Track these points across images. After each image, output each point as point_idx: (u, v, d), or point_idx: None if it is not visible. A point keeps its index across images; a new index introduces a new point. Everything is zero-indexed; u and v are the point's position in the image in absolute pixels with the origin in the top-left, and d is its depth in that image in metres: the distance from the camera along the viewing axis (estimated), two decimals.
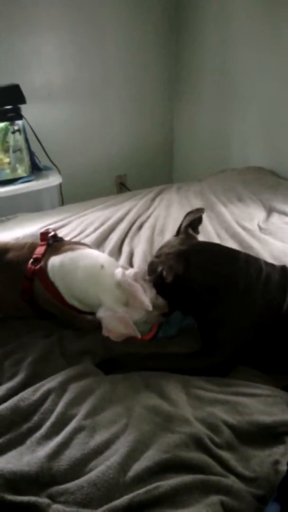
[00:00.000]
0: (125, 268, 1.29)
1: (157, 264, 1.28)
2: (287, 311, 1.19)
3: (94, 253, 1.33)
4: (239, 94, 2.63)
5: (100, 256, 1.32)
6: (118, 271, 1.23)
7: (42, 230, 1.39)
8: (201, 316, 1.26)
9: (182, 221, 1.39)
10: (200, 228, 1.85)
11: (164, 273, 1.22)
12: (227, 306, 1.20)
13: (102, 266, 1.24)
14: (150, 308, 1.20)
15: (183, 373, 1.16)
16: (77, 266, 1.25)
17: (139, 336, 1.20)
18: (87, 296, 1.24)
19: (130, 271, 1.26)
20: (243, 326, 1.19)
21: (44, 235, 1.37)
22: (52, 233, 1.38)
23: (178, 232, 1.38)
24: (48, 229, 1.40)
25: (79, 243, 1.43)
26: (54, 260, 1.28)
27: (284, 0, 2.21)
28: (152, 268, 1.30)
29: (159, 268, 1.25)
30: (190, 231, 1.35)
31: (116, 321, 1.17)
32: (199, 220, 1.40)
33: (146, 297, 1.20)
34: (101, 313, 1.20)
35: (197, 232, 1.38)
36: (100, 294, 1.21)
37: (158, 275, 1.24)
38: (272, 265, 1.29)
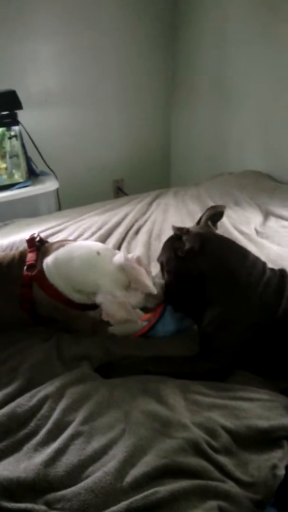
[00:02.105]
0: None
1: (173, 241, 1.28)
2: (282, 315, 1.19)
3: (87, 242, 1.34)
4: (236, 98, 2.64)
5: (95, 244, 1.33)
6: (120, 256, 1.24)
7: (27, 237, 1.39)
8: (199, 315, 1.25)
9: (203, 215, 1.39)
10: None
11: (182, 247, 1.22)
12: (225, 305, 1.20)
13: (98, 253, 1.25)
14: (155, 291, 1.21)
15: (182, 377, 1.16)
16: (72, 257, 1.26)
17: (139, 322, 1.21)
18: (86, 283, 1.22)
19: (133, 255, 1.27)
20: (239, 328, 1.19)
21: (31, 241, 1.37)
22: (38, 238, 1.39)
23: (198, 222, 1.39)
24: (33, 234, 1.40)
25: (67, 240, 1.42)
26: (48, 260, 1.29)
27: (280, 3, 2.22)
28: (167, 245, 1.32)
29: (177, 243, 1.24)
30: (210, 224, 1.36)
31: (116, 306, 1.17)
32: (220, 215, 1.41)
33: (149, 280, 1.21)
34: (100, 298, 1.18)
35: (216, 227, 1.38)
36: (98, 279, 1.21)
37: (177, 247, 1.24)
38: (273, 270, 1.29)
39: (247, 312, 1.19)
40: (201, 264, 1.23)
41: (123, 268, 1.22)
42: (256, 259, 1.30)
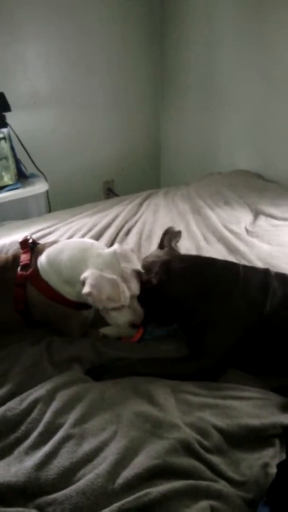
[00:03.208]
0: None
1: (145, 270, 1.30)
2: (269, 312, 1.20)
3: (78, 239, 1.34)
4: (225, 99, 2.65)
5: (86, 239, 1.36)
6: (116, 245, 1.28)
7: (20, 239, 1.39)
8: (185, 324, 1.28)
9: (163, 239, 1.44)
10: (188, 231, 1.88)
11: (151, 278, 1.25)
12: (209, 310, 1.22)
13: (90, 244, 1.29)
14: (139, 266, 1.26)
15: (173, 378, 1.16)
16: (62, 249, 1.28)
17: (125, 305, 1.20)
18: (77, 273, 1.21)
19: (126, 245, 1.33)
20: (227, 328, 1.20)
21: (24, 243, 1.38)
22: (31, 240, 1.40)
23: (161, 246, 1.43)
24: (26, 236, 1.41)
25: (59, 241, 1.43)
26: (41, 258, 1.30)
27: (268, 4, 2.23)
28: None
29: (145, 275, 1.27)
30: (173, 245, 1.41)
31: (104, 280, 1.16)
32: (179, 236, 1.48)
33: (139, 262, 1.28)
34: (86, 273, 1.17)
35: (177, 248, 1.44)
36: (87, 265, 1.21)
37: (145, 279, 1.26)
38: (251, 268, 1.32)
39: (231, 313, 1.21)
40: (174, 291, 1.26)
41: (115, 252, 1.23)
42: (227, 263, 1.33)
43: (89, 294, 1.15)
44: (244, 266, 1.32)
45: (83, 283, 1.17)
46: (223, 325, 1.20)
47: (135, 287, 1.25)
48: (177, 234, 1.47)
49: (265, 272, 1.29)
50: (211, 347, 1.20)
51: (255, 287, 1.23)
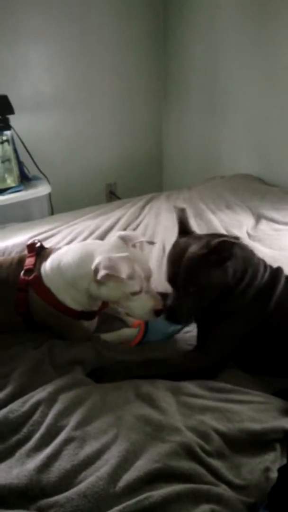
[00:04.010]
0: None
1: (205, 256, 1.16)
2: (272, 312, 1.20)
3: (83, 242, 1.36)
4: (227, 102, 2.66)
5: (91, 241, 1.36)
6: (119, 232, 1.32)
7: (29, 242, 1.39)
8: (207, 312, 1.24)
9: (182, 220, 1.30)
10: None
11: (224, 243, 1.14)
12: (235, 302, 1.20)
13: (93, 242, 1.33)
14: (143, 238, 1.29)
15: (175, 379, 1.16)
16: (66, 253, 1.28)
17: (143, 287, 1.19)
18: (84, 269, 1.20)
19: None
20: (240, 323, 1.21)
21: (31, 247, 1.38)
22: (39, 244, 1.39)
23: (184, 232, 1.29)
24: (34, 240, 1.40)
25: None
26: (45, 265, 1.29)
27: (271, 8, 2.24)
28: (199, 264, 1.16)
29: (214, 240, 1.14)
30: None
31: (117, 259, 1.14)
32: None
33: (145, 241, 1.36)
34: (98, 259, 1.15)
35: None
36: (96, 255, 1.20)
37: (217, 243, 1.13)
38: (269, 267, 1.30)
39: (247, 306, 1.20)
40: (233, 271, 1.19)
41: (120, 236, 1.24)
42: (258, 258, 1.30)
43: (107, 277, 1.12)
44: (265, 265, 1.29)
45: (95, 272, 1.15)
46: (238, 319, 1.21)
47: (148, 268, 1.23)
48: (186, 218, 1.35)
49: (275, 271, 1.28)
50: (217, 341, 1.20)
51: (266, 285, 1.23)
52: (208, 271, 1.14)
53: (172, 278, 1.19)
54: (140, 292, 1.20)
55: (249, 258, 1.24)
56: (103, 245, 1.26)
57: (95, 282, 1.20)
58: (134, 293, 1.20)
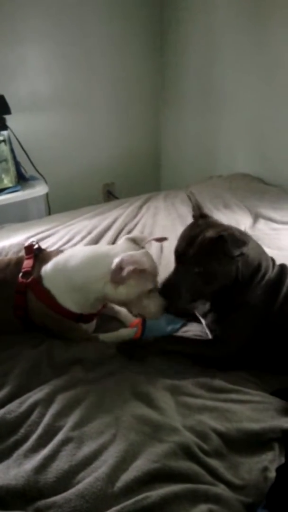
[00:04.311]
0: None
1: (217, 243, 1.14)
2: (278, 310, 1.21)
3: (89, 246, 1.38)
4: (225, 102, 2.66)
5: (98, 245, 1.38)
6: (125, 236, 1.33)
7: (26, 243, 1.39)
8: (224, 302, 1.25)
9: (197, 206, 1.29)
10: None
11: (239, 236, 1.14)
12: (252, 294, 1.21)
13: (98, 246, 1.36)
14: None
15: (198, 361, 1.20)
16: (71, 256, 1.28)
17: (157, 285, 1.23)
18: (99, 269, 1.21)
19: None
20: (253, 317, 1.22)
21: (29, 248, 1.37)
22: (36, 246, 1.38)
23: (198, 216, 1.28)
24: (32, 242, 1.40)
25: (64, 249, 1.43)
26: (46, 267, 1.28)
27: (268, 8, 2.24)
28: (209, 247, 1.14)
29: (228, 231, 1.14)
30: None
31: (141, 254, 1.18)
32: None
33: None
34: (116, 259, 1.16)
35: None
36: (111, 254, 1.21)
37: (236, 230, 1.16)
38: (274, 264, 1.30)
39: (259, 301, 1.22)
40: (255, 262, 1.21)
41: (131, 239, 1.28)
42: (267, 254, 1.30)
43: (131, 273, 1.14)
44: (273, 260, 1.30)
45: (116, 272, 1.15)
46: (251, 312, 1.22)
47: (156, 266, 1.25)
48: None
49: (282, 268, 1.28)
50: (236, 333, 1.22)
51: (273, 282, 1.23)
52: (219, 256, 1.12)
53: (181, 253, 1.17)
54: (153, 289, 1.22)
55: (262, 253, 1.25)
56: (115, 248, 1.27)
57: (111, 283, 1.20)
58: (150, 291, 1.21)
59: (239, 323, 1.23)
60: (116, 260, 1.16)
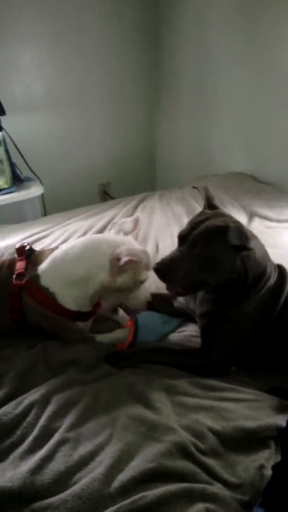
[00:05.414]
0: None
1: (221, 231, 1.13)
2: (277, 315, 1.21)
3: (84, 238, 1.39)
4: (219, 101, 2.66)
5: (93, 236, 1.45)
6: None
7: (17, 245, 1.39)
8: (218, 304, 1.24)
9: (208, 198, 1.30)
10: None
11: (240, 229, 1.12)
12: (252, 300, 1.21)
13: (100, 238, 1.35)
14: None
15: (184, 369, 1.20)
16: (67, 251, 1.29)
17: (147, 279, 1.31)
18: (99, 260, 1.25)
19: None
20: (243, 322, 1.21)
21: (21, 250, 1.37)
22: (28, 247, 1.38)
23: (209, 207, 1.28)
24: (23, 243, 1.40)
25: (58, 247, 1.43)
26: (42, 265, 1.29)
27: (260, 6, 2.24)
28: (212, 235, 1.14)
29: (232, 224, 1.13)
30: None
31: (138, 250, 1.27)
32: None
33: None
34: (119, 249, 1.24)
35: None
36: (111, 243, 1.27)
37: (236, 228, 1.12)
38: (275, 266, 1.29)
39: (258, 305, 1.21)
40: (261, 265, 1.20)
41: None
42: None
43: (128, 263, 1.22)
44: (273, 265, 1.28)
45: (115, 261, 1.23)
46: (240, 320, 1.21)
47: (148, 257, 1.32)
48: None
49: (281, 270, 1.28)
50: (222, 341, 1.21)
51: (272, 285, 1.23)
52: (219, 244, 1.11)
53: (184, 234, 1.17)
54: (145, 281, 1.32)
55: (268, 259, 1.25)
56: (111, 237, 1.33)
57: (111, 272, 1.24)
58: (142, 282, 1.31)
59: (223, 337, 1.22)
60: (118, 251, 1.24)
